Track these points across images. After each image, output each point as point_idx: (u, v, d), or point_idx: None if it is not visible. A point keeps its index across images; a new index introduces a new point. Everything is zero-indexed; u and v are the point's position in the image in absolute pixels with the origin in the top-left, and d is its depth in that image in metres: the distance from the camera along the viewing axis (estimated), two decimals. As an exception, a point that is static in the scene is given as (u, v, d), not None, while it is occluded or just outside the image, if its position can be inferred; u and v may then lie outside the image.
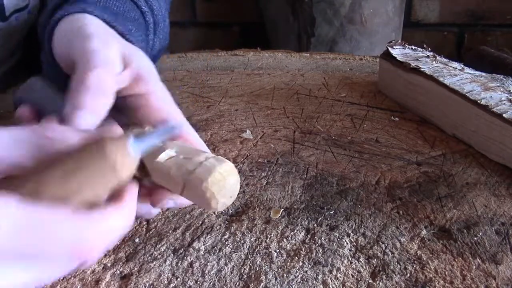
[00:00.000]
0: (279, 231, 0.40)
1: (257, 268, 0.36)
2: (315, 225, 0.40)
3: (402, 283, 0.35)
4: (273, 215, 0.42)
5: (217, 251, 0.38)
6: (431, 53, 0.63)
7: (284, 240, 0.39)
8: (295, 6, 1.49)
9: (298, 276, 0.35)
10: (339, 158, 0.50)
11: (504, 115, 0.48)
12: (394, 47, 0.64)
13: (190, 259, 0.37)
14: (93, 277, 0.36)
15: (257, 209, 0.43)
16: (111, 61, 0.39)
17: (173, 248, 0.38)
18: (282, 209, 0.42)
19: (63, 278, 0.36)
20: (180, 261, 0.37)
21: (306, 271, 0.36)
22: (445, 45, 1.76)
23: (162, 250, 0.38)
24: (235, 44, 1.79)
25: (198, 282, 0.35)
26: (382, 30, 1.50)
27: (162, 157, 0.33)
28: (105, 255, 0.38)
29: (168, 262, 0.37)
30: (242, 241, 0.39)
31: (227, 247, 0.38)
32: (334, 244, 0.38)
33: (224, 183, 0.32)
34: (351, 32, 1.47)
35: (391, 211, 0.42)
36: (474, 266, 0.36)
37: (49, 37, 0.46)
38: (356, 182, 0.46)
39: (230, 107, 0.62)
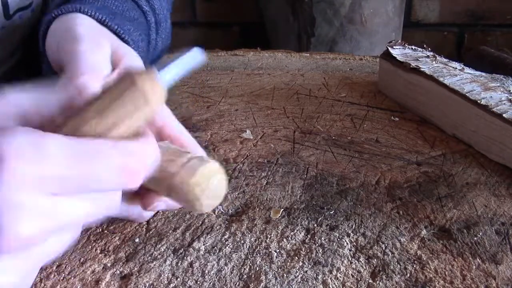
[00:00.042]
0: (279, 231, 0.40)
1: (257, 268, 0.36)
2: (315, 225, 0.40)
3: (402, 283, 0.35)
4: (273, 215, 0.42)
5: (217, 251, 0.38)
6: (431, 53, 0.63)
7: (284, 240, 0.39)
8: (295, 6, 1.49)
9: (298, 276, 0.35)
10: (339, 158, 0.50)
11: (504, 115, 0.48)
12: (394, 47, 0.64)
13: (190, 259, 0.37)
14: (93, 277, 0.36)
15: (257, 209, 0.43)
16: (98, 65, 0.38)
17: (173, 248, 0.38)
18: (282, 209, 0.42)
19: (63, 278, 0.36)
20: (180, 261, 0.37)
21: (306, 271, 0.36)
22: (445, 45, 1.76)
23: (162, 250, 0.38)
24: (235, 44, 1.79)
25: (198, 282, 0.35)
26: (382, 30, 1.50)
27: None
28: (105, 255, 0.38)
29: (168, 262, 0.37)
30: (242, 241, 0.39)
31: (227, 247, 0.38)
32: (334, 244, 0.38)
33: (208, 183, 0.31)
34: (351, 32, 1.47)
35: (391, 211, 0.42)
36: (474, 266, 0.36)
37: (43, 36, 0.46)
38: (356, 182, 0.46)
39: (230, 107, 0.62)
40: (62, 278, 0.36)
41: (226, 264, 0.37)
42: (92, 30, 0.43)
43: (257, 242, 0.39)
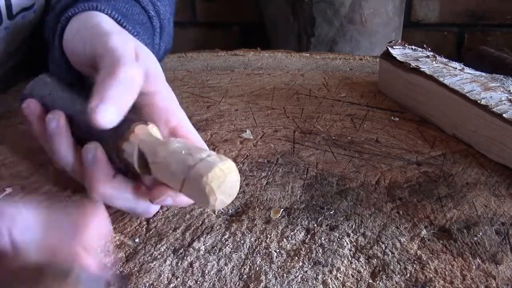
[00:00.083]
0: (279, 231, 0.40)
1: (257, 268, 0.36)
2: (315, 225, 0.40)
3: (402, 283, 0.35)
4: (273, 215, 0.42)
5: (217, 251, 0.38)
6: (431, 53, 0.63)
7: (284, 240, 0.39)
8: (295, 6, 1.49)
9: (298, 276, 0.35)
10: (339, 158, 0.50)
11: (504, 115, 0.48)
12: (394, 47, 0.64)
13: (190, 259, 0.37)
14: (93, 277, 0.36)
15: (257, 209, 0.43)
16: (133, 57, 0.39)
17: (173, 248, 0.38)
18: (282, 209, 0.42)
19: (63, 278, 0.36)
20: (180, 261, 0.37)
21: (306, 271, 0.36)
22: (445, 45, 1.76)
23: (162, 250, 0.38)
24: (235, 44, 1.79)
25: (198, 282, 0.35)
26: (382, 30, 1.50)
27: (167, 147, 0.34)
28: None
29: (168, 262, 0.37)
30: (242, 241, 0.39)
31: (227, 247, 0.38)
32: (334, 244, 0.38)
33: (225, 180, 0.32)
34: (351, 32, 1.47)
35: (391, 211, 0.42)
36: (474, 266, 0.36)
37: (60, 34, 0.46)
38: (356, 182, 0.46)
39: (230, 107, 0.62)
40: (62, 278, 0.36)
41: (226, 264, 0.37)
42: (115, 26, 0.43)
43: (257, 242, 0.39)
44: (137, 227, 0.41)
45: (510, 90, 0.53)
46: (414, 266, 0.36)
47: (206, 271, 0.36)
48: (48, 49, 0.49)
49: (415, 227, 0.40)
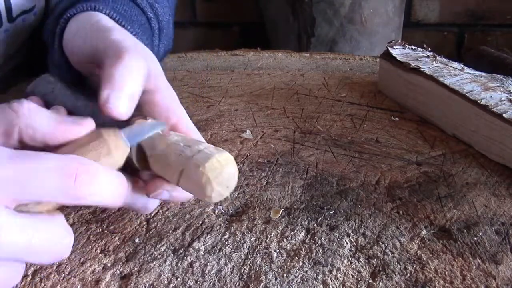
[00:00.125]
0: (279, 231, 0.40)
1: (257, 268, 0.36)
2: (315, 225, 0.40)
3: (402, 283, 0.35)
4: (273, 215, 0.42)
5: (217, 251, 0.38)
6: (431, 53, 0.63)
7: (284, 240, 0.39)
8: (295, 6, 1.49)
9: (298, 276, 0.35)
10: (339, 158, 0.50)
11: (504, 115, 0.48)
12: (394, 47, 0.64)
13: (190, 259, 0.37)
14: (93, 277, 0.36)
15: (257, 209, 0.43)
16: (136, 49, 0.39)
17: (173, 248, 0.38)
18: (282, 209, 0.42)
19: (63, 278, 0.36)
20: (180, 261, 0.37)
21: (306, 271, 0.36)
22: (445, 45, 1.76)
23: (162, 250, 0.38)
24: (235, 44, 1.79)
25: (198, 282, 0.35)
26: (382, 30, 1.50)
27: (165, 140, 0.34)
28: (105, 255, 0.38)
29: (168, 262, 0.37)
30: (242, 241, 0.39)
31: (227, 247, 0.38)
32: (334, 244, 0.38)
33: (222, 171, 0.32)
34: (351, 32, 1.47)
35: (391, 211, 0.42)
36: (474, 266, 0.36)
37: (60, 35, 0.46)
38: (356, 182, 0.46)
39: (230, 107, 0.62)
40: (62, 278, 0.36)
41: (226, 264, 0.37)
42: (115, 24, 0.43)
43: (257, 242, 0.39)
44: (137, 227, 0.41)
45: (510, 90, 0.53)
46: (414, 266, 0.36)
47: (206, 271, 0.36)
48: (47, 52, 0.49)
49: (415, 227, 0.40)
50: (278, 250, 0.38)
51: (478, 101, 0.50)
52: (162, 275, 0.36)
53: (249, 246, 0.38)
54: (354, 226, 0.40)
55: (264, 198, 0.44)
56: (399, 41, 0.67)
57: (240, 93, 0.66)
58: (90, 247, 0.38)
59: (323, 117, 0.59)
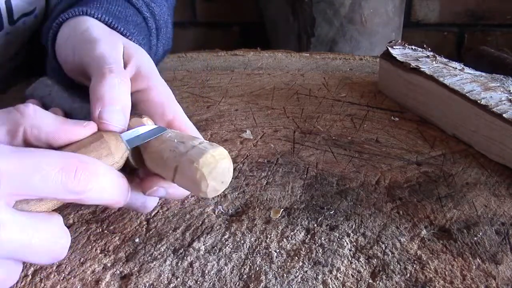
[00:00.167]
0: (279, 231, 0.40)
1: (257, 268, 0.36)
2: (315, 225, 0.40)
3: (402, 283, 0.35)
4: (273, 215, 0.42)
5: (217, 251, 0.38)
6: (431, 53, 0.63)
7: (284, 240, 0.39)
8: (295, 6, 1.49)
9: (298, 276, 0.35)
10: (339, 158, 0.50)
11: (504, 115, 0.48)
12: (394, 47, 0.64)
13: (190, 259, 0.37)
14: (93, 277, 0.36)
15: (257, 209, 0.43)
16: (120, 63, 0.39)
17: (173, 248, 0.38)
18: (282, 209, 0.42)
19: (63, 278, 0.36)
20: (180, 261, 0.37)
21: (306, 271, 0.36)
22: (445, 45, 1.76)
23: (162, 250, 0.38)
24: (235, 44, 1.79)
25: (198, 282, 0.35)
26: (382, 30, 1.50)
27: (160, 137, 0.34)
28: (105, 255, 0.38)
29: (168, 262, 0.37)
30: (242, 241, 0.39)
31: (227, 247, 0.38)
32: (334, 244, 0.38)
33: (216, 166, 0.32)
34: (351, 32, 1.47)
35: (391, 211, 0.42)
36: (474, 266, 0.36)
37: (52, 40, 0.46)
38: (356, 182, 0.46)
39: (230, 107, 0.62)
40: (62, 278, 0.36)
41: (226, 264, 0.37)
42: (104, 31, 0.44)
43: (257, 242, 0.39)
44: (137, 227, 0.41)
45: (510, 90, 0.53)
46: (414, 266, 0.36)
47: (206, 271, 0.36)
48: (46, 55, 0.50)
49: (415, 227, 0.40)
50: (278, 250, 0.38)
51: (478, 101, 0.50)
52: (162, 275, 0.36)
53: (249, 246, 0.38)
54: (354, 226, 0.40)
55: (264, 198, 0.44)
56: (399, 41, 0.66)
57: (240, 93, 0.66)
58: (90, 247, 0.39)
59: (323, 117, 0.59)
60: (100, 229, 0.40)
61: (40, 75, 0.47)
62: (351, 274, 0.35)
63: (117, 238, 0.39)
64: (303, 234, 0.39)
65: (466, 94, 0.51)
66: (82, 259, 0.37)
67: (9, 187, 0.28)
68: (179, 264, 0.37)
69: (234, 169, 0.48)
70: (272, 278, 0.35)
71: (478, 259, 0.36)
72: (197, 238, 0.39)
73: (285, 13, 1.52)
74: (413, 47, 0.65)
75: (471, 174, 0.47)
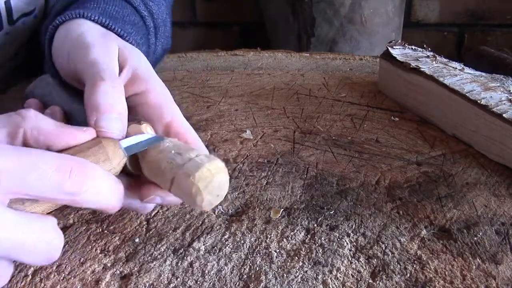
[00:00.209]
0: (279, 231, 0.40)
1: (257, 268, 0.36)
2: (315, 225, 0.40)
3: (402, 283, 0.35)
4: (273, 215, 0.42)
5: (217, 251, 0.38)
6: (431, 53, 0.63)
7: (284, 240, 0.39)
8: (295, 6, 1.49)
9: (298, 276, 0.35)
10: (339, 158, 0.50)
11: (504, 115, 0.48)
12: (394, 47, 0.64)
13: (190, 259, 0.37)
14: (93, 277, 0.36)
15: (257, 209, 0.43)
16: (113, 69, 0.39)
17: (173, 248, 0.38)
18: (282, 209, 0.42)
19: (63, 278, 0.36)
20: (180, 261, 0.37)
21: (306, 271, 0.36)
22: (445, 45, 1.76)
23: (162, 250, 0.38)
24: (235, 44, 1.79)
25: (198, 282, 0.35)
26: (382, 30, 1.50)
27: (158, 146, 0.34)
28: (105, 255, 0.38)
29: (168, 262, 0.37)
30: (242, 241, 0.39)
31: (227, 247, 0.38)
32: (334, 244, 0.38)
33: (212, 180, 0.32)
34: (351, 32, 1.47)
35: (391, 211, 0.42)
36: (474, 266, 0.36)
37: (49, 43, 0.46)
38: (356, 182, 0.46)
39: (230, 107, 0.62)
40: (62, 278, 0.36)
41: (226, 264, 0.37)
42: (99, 35, 0.43)
43: (257, 242, 0.39)
44: (137, 227, 0.41)
45: (510, 90, 0.53)
46: (414, 266, 0.36)
47: (206, 271, 0.36)
48: (44, 56, 0.50)
49: (415, 227, 0.40)
50: (278, 250, 0.38)
51: (478, 101, 0.50)
52: (162, 275, 0.36)
53: (249, 246, 0.38)
54: (354, 226, 0.40)
55: (264, 198, 0.44)
56: (399, 41, 0.66)
57: (240, 93, 0.66)
58: (90, 247, 0.39)
59: (323, 117, 0.59)
60: (100, 229, 0.40)
61: (40, 75, 0.47)
62: (351, 274, 0.35)
63: (117, 238, 0.39)
64: (303, 234, 0.39)
65: (466, 94, 0.52)
66: (82, 259, 0.37)
67: (7, 184, 0.28)
68: (179, 264, 0.37)
69: (234, 169, 0.48)
70: (272, 278, 0.35)
71: (478, 259, 0.36)
72: (197, 238, 0.39)
73: (285, 13, 1.52)
74: (413, 47, 0.65)
75: (471, 174, 0.47)
